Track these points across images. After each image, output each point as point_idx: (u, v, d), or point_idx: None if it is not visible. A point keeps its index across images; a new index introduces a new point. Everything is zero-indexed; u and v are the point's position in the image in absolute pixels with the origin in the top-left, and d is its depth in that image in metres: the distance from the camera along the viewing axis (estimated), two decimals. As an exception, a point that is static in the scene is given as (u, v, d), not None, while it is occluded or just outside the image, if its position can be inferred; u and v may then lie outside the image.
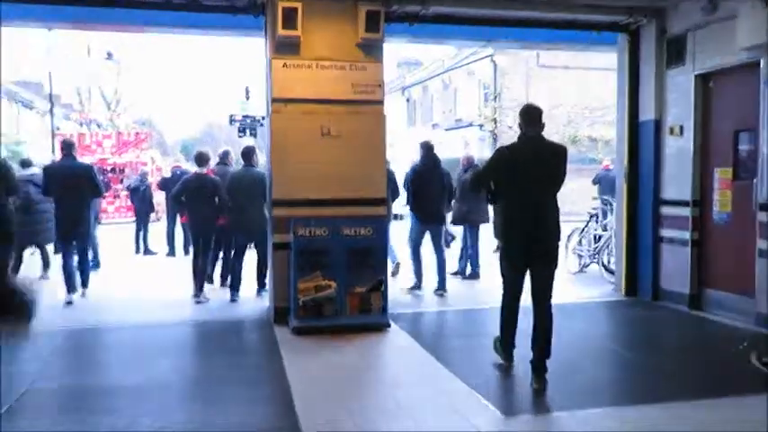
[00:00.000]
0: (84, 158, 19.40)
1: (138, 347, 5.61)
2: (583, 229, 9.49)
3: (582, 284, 8.57)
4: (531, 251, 4.50)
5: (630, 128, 7.59)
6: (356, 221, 6.16)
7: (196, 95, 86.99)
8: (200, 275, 7.61)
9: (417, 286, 7.89)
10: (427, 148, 8.07)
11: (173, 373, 4.86)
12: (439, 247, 7.91)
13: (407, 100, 38.72)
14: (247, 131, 14.18)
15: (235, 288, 7.58)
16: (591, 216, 9.51)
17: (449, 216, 8.68)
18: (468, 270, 9.05)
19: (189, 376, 4.83)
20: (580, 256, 9.38)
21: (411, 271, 7.99)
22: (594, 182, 13.42)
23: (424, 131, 35.91)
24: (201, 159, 7.79)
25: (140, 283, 8.89)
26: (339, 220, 6.13)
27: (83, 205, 7.55)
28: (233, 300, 7.49)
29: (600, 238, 9.00)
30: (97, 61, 30.52)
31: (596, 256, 8.93)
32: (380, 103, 6.49)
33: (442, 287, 7.84)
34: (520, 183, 4.48)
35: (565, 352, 5.32)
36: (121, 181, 18.68)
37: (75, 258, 7.73)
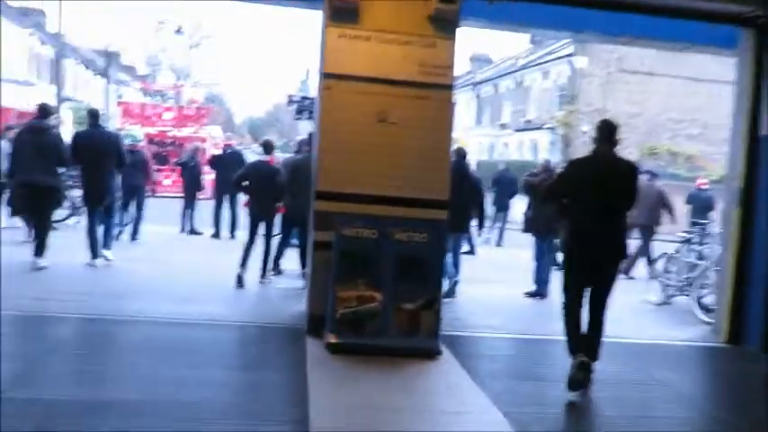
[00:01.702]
0: (144, 129, 19.34)
1: (146, 351, 4.84)
2: (672, 255, 8.23)
3: (668, 321, 7.35)
4: (592, 265, 4.62)
5: (748, 144, 6.34)
6: (411, 224, 5.21)
7: (266, 75, 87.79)
8: (266, 258, 7.59)
9: None
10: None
11: (170, 389, 4.03)
12: None
13: (477, 97, 37.42)
14: (305, 113, 13.40)
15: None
16: (683, 240, 8.24)
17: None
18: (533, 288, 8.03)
19: (186, 398, 3.94)
20: (667, 286, 8.12)
21: None
22: (687, 202, 11.97)
23: (492, 131, 34.64)
24: (267, 147, 8.26)
25: (177, 267, 8.27)
26: (391, 221, 5.19)
27: (108, 173, 7.68)
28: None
29: (695, 267, 7.73)
30: (168, 35, 30.61)
31: (688, 288, 7.66)
32: (450, 88, 5.49)
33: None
34: (587, 197, 4.58)
35: (643, 412, 4.39)
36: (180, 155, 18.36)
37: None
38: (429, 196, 5.38)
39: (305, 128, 14.88)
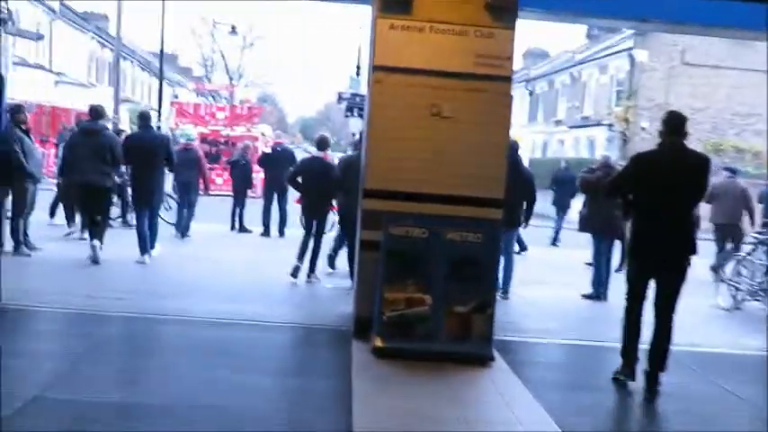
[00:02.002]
0: (197, 129, 19.62)
1: (189, 352, 4.75)
2: (744, 257, 7.69)
3: (739, 328, 6.86)
4: (659, 262, 4.46)
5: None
6: (464, 224, 4.95)
7: (318, 74, 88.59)
8: (313, 257, 7.51)
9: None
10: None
11: (210, 394, 3.90)
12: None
13: (530, 93, 36.62)
14: (355, 110, 13.25)
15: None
16: (756, 242, 7.68)
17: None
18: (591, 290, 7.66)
19: (225, 404, 3.77)
20: (738, 290, 7.59)
21: None
22: (759, 201, 11.24)
23: (546, 128, 33.85)
24: (322, 143, 7.92)
25: (225, 265, 8.23)
26: (443, 221, 4.95)
27: (156, 173, 7.87)
28: None
29: (771, 271, 7.19)
30: (222, 36, 31.10)
31: (761, 292, 7.13)
32: (508, 80, 5.21)
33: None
34: (656, 192, 4.40)
35: (715, 429, 4.02)
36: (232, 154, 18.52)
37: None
38: (484, 194, 5.11)
39: (355, 126, 14.79)
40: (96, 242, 7.59)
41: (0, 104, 7.61)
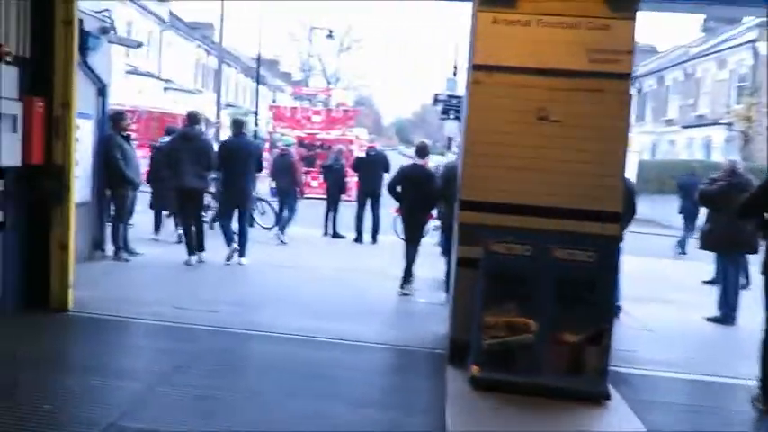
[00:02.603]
0: (294, 132, 19.88)
1: (273, 374, 4.48)
2: None
3: None
4: None
5: None
6: (574, 241, 4.38)
7: (414, 75, 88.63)
8: (409, 267, 7.27)
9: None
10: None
11: (291, 426, 3.58)
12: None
13: (638, 91, 34.56)
14: (451, 113, 12.79)
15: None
16: None
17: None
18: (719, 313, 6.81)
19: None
20: None
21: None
22: None
23: (655, 128, 31.84)
24: (422, 151, 7.73)
25: (316, 274, 8.02)
26: (550, 237, 4.41)
27: (247, 180, 8.14)
28: None
29: None
30: (319, 40, 31.55)
31: None
32: (627, 77, 4.59)
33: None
34: None
35: None
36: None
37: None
38: (598, 207, 4.52)
39: (451, 129, 14.30)
40: (191, 257, 7.85)
41: (102, 112, 7.83)
